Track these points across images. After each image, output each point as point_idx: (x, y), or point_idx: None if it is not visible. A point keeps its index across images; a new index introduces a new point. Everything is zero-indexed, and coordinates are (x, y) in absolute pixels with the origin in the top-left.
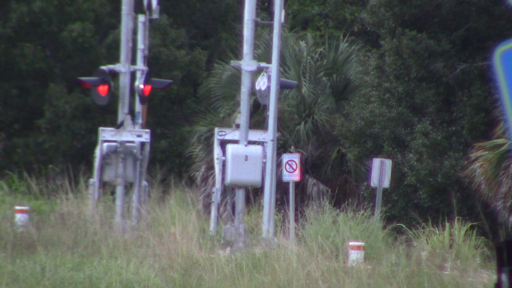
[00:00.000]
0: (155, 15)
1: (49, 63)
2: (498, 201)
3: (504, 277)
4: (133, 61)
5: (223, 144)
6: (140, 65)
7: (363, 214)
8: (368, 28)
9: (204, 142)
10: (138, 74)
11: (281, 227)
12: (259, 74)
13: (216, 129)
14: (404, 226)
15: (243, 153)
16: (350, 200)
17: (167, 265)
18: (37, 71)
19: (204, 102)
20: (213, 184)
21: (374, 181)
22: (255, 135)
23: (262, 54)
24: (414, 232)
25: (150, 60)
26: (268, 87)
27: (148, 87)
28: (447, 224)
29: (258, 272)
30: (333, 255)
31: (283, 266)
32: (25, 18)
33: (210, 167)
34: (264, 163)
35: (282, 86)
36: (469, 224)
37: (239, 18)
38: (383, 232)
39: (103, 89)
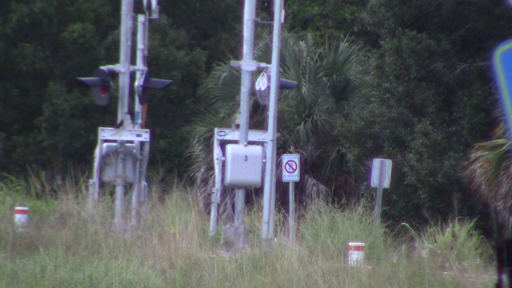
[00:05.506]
0: (155, 15)
1: (49, 63)
2: (498, 201)
3: (504, 278)
4: (133, 61)
5: (223, 144)
6: (140, 65)
7: (363, 214)
8: (368, 28)
9: (204, 142)
10: (138, 74)
11: (281, 227)
12: (259, 74)
13: (216, 129)
14: (408, 225)
15: (243, 153)
16: (350, 199)
17: (167, 265)
18: (37, 71)
19: (203, 102)
20: (213, 185)
21: (374, 181)
22: (255, 135)
23: (262, 54)
24: (414, 232)
25: (149, 60)
26: (268, 87)
27: (147, 88)
28: (447, 224)
29: (258, 272)
30: (334, 255)
31: (283, 266)
32: (25, 19)
33: (210, 168)
34: (264, 163)
35: (282, 86)
36: (470, 224)
37: (239, 18)
38: (384, 232)
39: (102, 89)
